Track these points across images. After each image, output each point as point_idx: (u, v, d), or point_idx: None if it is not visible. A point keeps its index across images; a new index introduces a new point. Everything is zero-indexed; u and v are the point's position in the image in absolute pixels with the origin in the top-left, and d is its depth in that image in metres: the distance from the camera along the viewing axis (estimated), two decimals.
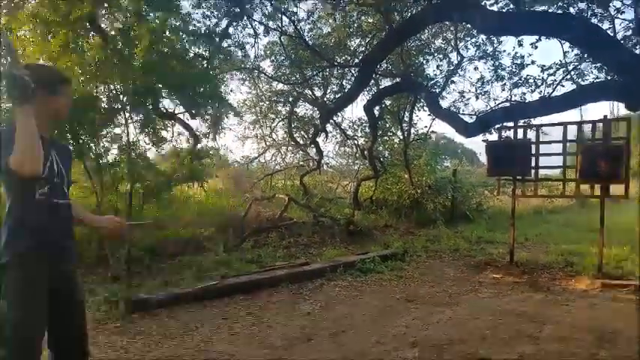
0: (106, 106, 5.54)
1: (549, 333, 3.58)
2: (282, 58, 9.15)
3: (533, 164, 6.03)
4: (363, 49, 8.71)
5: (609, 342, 3.39)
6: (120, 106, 5.59)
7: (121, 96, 5.61)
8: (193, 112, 7.78)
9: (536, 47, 6.67)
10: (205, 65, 7.19)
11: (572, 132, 5.85)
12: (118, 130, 5.69)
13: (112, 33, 5.87)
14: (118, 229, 2.04)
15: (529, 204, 12.59)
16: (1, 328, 1.65)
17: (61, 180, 1.84)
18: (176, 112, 8.44)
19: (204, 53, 7.31)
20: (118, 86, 5.57)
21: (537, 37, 6.51)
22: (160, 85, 6.05)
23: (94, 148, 5.37)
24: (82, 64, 5.07)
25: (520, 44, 6.66)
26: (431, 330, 3.69)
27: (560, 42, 6.33)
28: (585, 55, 6.31)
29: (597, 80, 6.50)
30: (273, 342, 3.42)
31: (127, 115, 5.46)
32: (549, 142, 6.09)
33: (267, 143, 12.71)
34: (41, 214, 1.73)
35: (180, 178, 6.02)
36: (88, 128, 5.22)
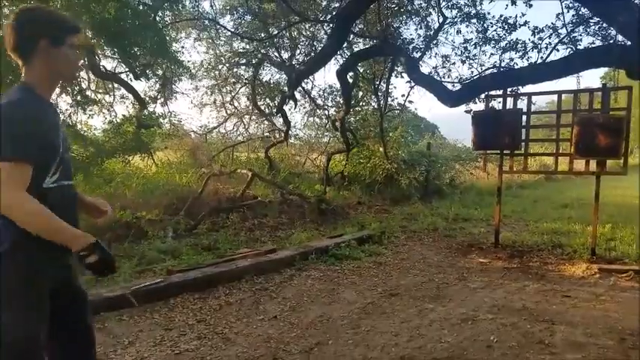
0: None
1: (562, 337, 3.03)
2: (245, 11, 8.00)
3: (523, 137, 5.47)
4: (337, 4, 7.73)
5: (633, 347, 2.88)
6: None
7: None
8: (137, 71, 6.61)
9: (530, 5, 5.98)
10: (152, 16, 6.02)
11: (567, 102, 5.32)
12: None
13: None
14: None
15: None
16: None
17: (69, 155, 1.57)
18: (117, 71, 7.21)
19: (147, 0, 6.11)
20: None
21: None
22: (90, 33, 4.90)
23: None
24: None
25: (514, 2, 5.93)
26: (424, 336, 3.04)
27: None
28: (583, 12, 5.68)
29: (593, 45, 5.94)
30: None
31: None
32: (541, 113, 5.52)
33: (228, 112, 11.69)
34: (53, 197, 1.42)
35: (119, 148, 4.98)
36: None
